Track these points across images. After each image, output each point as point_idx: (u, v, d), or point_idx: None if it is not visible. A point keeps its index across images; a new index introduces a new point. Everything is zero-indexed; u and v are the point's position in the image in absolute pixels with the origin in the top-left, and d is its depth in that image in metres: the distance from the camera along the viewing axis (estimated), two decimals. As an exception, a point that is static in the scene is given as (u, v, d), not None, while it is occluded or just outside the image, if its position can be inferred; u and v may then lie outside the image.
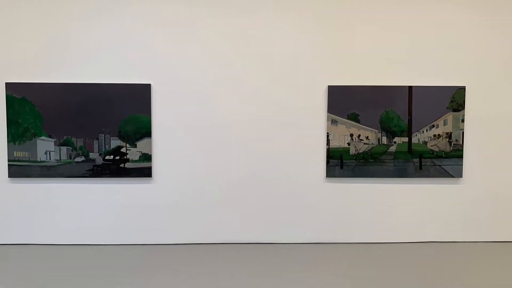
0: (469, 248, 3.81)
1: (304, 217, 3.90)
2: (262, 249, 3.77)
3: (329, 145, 3.86)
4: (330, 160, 3.86)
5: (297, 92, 3.82)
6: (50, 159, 3.77)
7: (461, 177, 3.89)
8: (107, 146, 3.79)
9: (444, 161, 3.88)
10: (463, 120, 3.86)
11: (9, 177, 3.76)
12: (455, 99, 3.84)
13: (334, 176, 3.88)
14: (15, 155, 3.75)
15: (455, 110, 3.85)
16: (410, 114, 3.85)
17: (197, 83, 3.78)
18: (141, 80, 3.75)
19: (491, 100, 3.87)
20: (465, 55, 3.83)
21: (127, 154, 3.81)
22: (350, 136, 3.87)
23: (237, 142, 3.84)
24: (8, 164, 3.75)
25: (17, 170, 3.76)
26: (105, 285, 3.02)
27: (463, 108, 3.85)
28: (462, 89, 3.82)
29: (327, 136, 3.85)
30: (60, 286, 3.00)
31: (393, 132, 3.86)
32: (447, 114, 3.85)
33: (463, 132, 3.87)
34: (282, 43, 3.79)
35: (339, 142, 3.86)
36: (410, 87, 3.81)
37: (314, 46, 3.79)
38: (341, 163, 3.86)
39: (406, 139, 3.86)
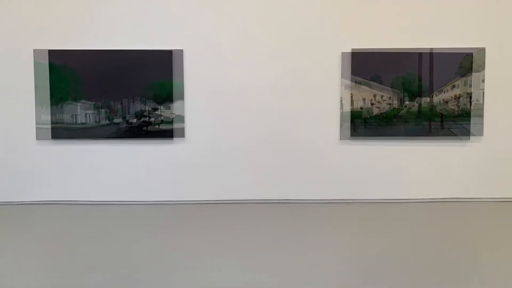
0: (487, 205, 3.93)
1: (322, 175, 4.05)
2: (282, 207, 3.96)
3: (342, 109, 4.02)
4: (344, 123, 4.02)
5: (315, 56, 3.98)
6: (89, 121, 4.04)
7: (482, 135, 4.01)
8: (142, 108, 4.05)
9: (464, 120, 4.00)
10: (483, 81, 3.98)
11: (52, 138, 4.06)
12: (475, 60, 3.96)
13: (349, 137, 4.02)
14: (57, 117, 4.03)
15: (474, 71, 3.97)
16: (431, 75, 3.98)
17: (223, 49, 3.99)
18: (173, 46, 4.00)
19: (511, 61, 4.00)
20: (485, 16, 3.95)
21: (161, 116, 4.05)
22: (363, 100, 4.01)
23: (259, 105, 4.01)
24: (52, 127, 4.04)
25: (59, 132, 4.04)
26: (138, 241, 3.27)
27: (483, 69, 3.97)
28: (482, 51, 3.94)
29: (341, 99, 4.02)
30: (93, 241, 3.26)
31: (411, 94, 4.00)
32: (467, 75, 3.98)
33: (483, 92, 3.99)
34: (304, 7, 3.96)
35: (353, 105, 4.01)
36: (430, 50, 3.95)
37: (332, 10, 3.94)
38: (355, 125, 4.01)
39: (423, 100, 4.00)
